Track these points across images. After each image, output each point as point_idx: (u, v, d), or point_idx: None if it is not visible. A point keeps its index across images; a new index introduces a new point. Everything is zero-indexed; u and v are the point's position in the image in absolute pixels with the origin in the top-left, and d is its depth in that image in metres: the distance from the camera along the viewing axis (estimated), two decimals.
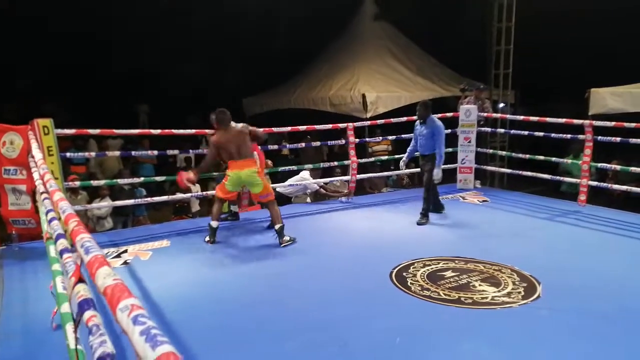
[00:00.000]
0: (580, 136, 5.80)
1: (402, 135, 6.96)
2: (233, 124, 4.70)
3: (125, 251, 4.54)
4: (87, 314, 1.15)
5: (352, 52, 10.62)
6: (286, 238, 4.58)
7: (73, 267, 1.41)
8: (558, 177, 6.44)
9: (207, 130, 5.89)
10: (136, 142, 9.62)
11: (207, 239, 4.72)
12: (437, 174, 5.32)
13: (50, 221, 2.06)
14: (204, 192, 6.37)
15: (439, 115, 7.02)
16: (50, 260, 2.53)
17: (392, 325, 3.03)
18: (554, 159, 6.57)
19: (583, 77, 8.56)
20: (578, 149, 6.69)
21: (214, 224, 4.72)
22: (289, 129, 6.57)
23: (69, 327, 1.65)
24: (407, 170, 8.10)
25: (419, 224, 5.26)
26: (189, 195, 6.54)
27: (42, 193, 2.55)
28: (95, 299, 1.29)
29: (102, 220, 6.88)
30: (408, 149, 5.73)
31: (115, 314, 0.89)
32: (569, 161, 7.06)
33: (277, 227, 4.60)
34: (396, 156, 7.75)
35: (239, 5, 11.72)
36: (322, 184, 6.57)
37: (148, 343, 0.77)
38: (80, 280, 1.30)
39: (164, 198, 6.34)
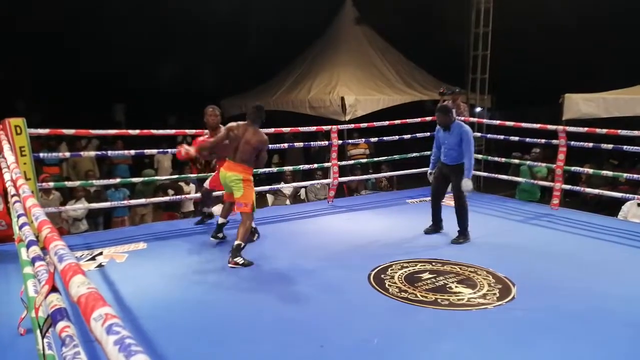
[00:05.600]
0: (555, 141, 5.92)
1: (384, 138, 7.01)
2: (260, 130, 4.30)
3: (101, 253, 4.45)
4: (60, 324, 1.13)
5: (332, 55, 10.66)
6: (239, 260, 4.07)
7: (46, 275, 1.37)
8: (532, 181, 6.58)
9: (187, 131, 5.84)
10: (111, 142, 9.48)
11: (212, 234, 4.67)
12: (466, 184, 4.64)
13: (21, 227, 2.01)
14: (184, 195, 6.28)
15: (418, 119, 7.13)
16: (22, 263, 2.47)
17: (369, 327, 3.05)
18: (528, 162, 6.72)
19: (558, 82, 8.79)
20: (537, 157, 6.78)
21: (220, 220, 4.66)
22: (272, 130, 6.54)
23: (40, 332, 1.62)
24: (387, 174, 8.19)
25: (455, 242, 4.72)
26: (167, 198, 6.46)
27: (13, 196, 2.49)
28: (69, 308, 1.26)
29: (77, 222, 6.75)
30: (431, 159, 5.16)
31: (89, 324, 0.88)
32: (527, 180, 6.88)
33: (235, 243, 4.11)
34: (375, 159, 7.84)
35: (220, 5, 11.66)
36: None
37: (122, 353, 0.76)
38: (54, 289, 1.28)
39: (142, 201, 6.24)
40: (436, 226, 5.08)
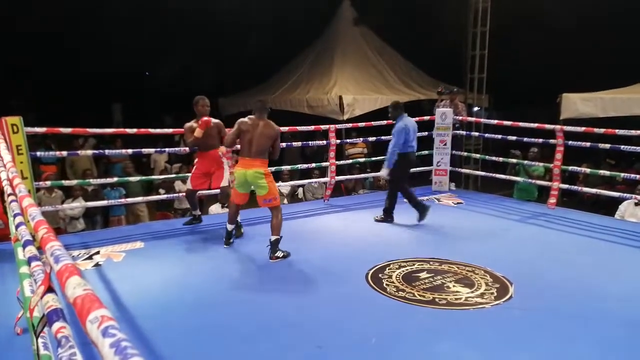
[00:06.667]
0: (552, 141, 5.93)
1: (382, 137, 7.01)
2: (270, 122, 4.40)
3: (98, 253, 4.44)
4: (56, 325, 1.12)
5: (330, 55, 10.67)
6: (279, 254, 4.22)
7: (42, 275, 1.37)
8: (530, 180, 6.59)
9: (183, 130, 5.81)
10: (109, 142, 9.48)
11: (224, 242, 4.60)
12: (382, 172, 5.36)
13: (17, 226, 2.00)
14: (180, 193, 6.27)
15: (416, 118, 7.13)
16: (18, 262, 2.46)
17: (367, 326, 3.05)
18: (525, 162, 6.73)
19: (556, 82, 8.80)
20: (535, 156, 6.81)
21: (229, 227, 4.59)
22: None
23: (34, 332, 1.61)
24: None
25: (375, 219, 5.45)
26: (164, 196, 6.44)
27: (9, 195, 2.48)
28: (66, 309, 1.26)
29: (74, 221, 6.73)
30: None
31: (85, 326, 0.87)
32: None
33: (272, 238, 4.23)
34: (372, 158, 7.83)
35: (219, 6, 11.65)
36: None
37: (118, 356, 0.75)
38: (50, 289, 1.27)
39: (138, 199, 6.23)
40: (418, 211, 5.38)
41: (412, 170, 7.21)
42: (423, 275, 3.88)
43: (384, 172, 5.34)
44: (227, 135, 4.59)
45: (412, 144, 5.32)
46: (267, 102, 4.57)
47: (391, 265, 4.09)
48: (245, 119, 4.40)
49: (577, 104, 7.38)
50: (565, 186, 6.15)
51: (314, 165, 6.98)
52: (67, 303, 1.08)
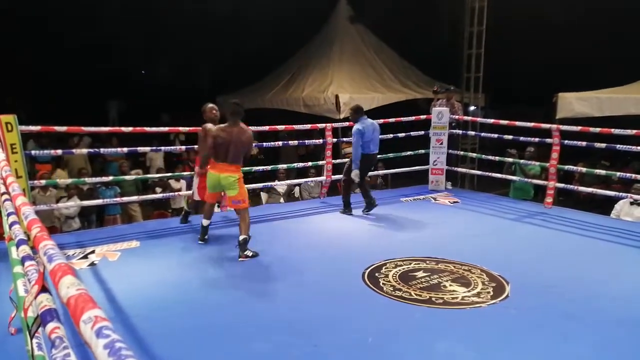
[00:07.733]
0: (548, 140, 5.94)
1: (380, 136, 7.01)
2: (243, 125, 4.41)
3: (93, 252, 4.41)
4: (50, 325, 1.11)
5: (326, 54, 10.65)
6: (248, 253, 4.24)
7: (36, 274, 1.35)
8: (526, 179, 6.60)
9: (180, 128, 5.80)
10: (104, 140, 9.44)
11: (199, 237, 4.63)
12: (354, 174, 5.51)
13: (11, 225, 1.98)
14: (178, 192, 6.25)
15: (412, 117, 7.13)
16: (12, 262, 2.43)
17: (364, 326, 3.05)
18: (522, 161, 6.74)
19: (552, 81, 8.81)
20: (532, 155, 6.82)
21: (205, 222, 4.61)
22: (266, 128, 6.52)
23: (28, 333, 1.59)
24: (382, 172, 8.19)
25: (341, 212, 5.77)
26: (160, 195, 6.42)
27: (2, 194, 2.46)
28: (61, 309, 1.24)
29: (69, 220, 6.70)
30: None
31: (78, 326, 0.86)
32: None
33: (241, 238, 4.25)
34: None
35: (215, 5, 11.62)
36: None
37: (112, 357, 0.74)
38: (44, 289, 1.25)
39: (134, 198, 6.21)
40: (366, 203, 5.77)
41: (409, 169, 7.25)
42: (419, 274, 3.88)
43: (354, 173, 5.52)
44: (206, 151, 4.49)
45: (369, 146, 5.52)
46: (242, 105, 4.55)
47: (387, 264, 4.08)
48: (220, 131, 4.35)
49: (572, 103, 7.40)
50: (562, 185, 6.16)
51: (310, 164, 6.97)
52: (61, 303, 1.07)
